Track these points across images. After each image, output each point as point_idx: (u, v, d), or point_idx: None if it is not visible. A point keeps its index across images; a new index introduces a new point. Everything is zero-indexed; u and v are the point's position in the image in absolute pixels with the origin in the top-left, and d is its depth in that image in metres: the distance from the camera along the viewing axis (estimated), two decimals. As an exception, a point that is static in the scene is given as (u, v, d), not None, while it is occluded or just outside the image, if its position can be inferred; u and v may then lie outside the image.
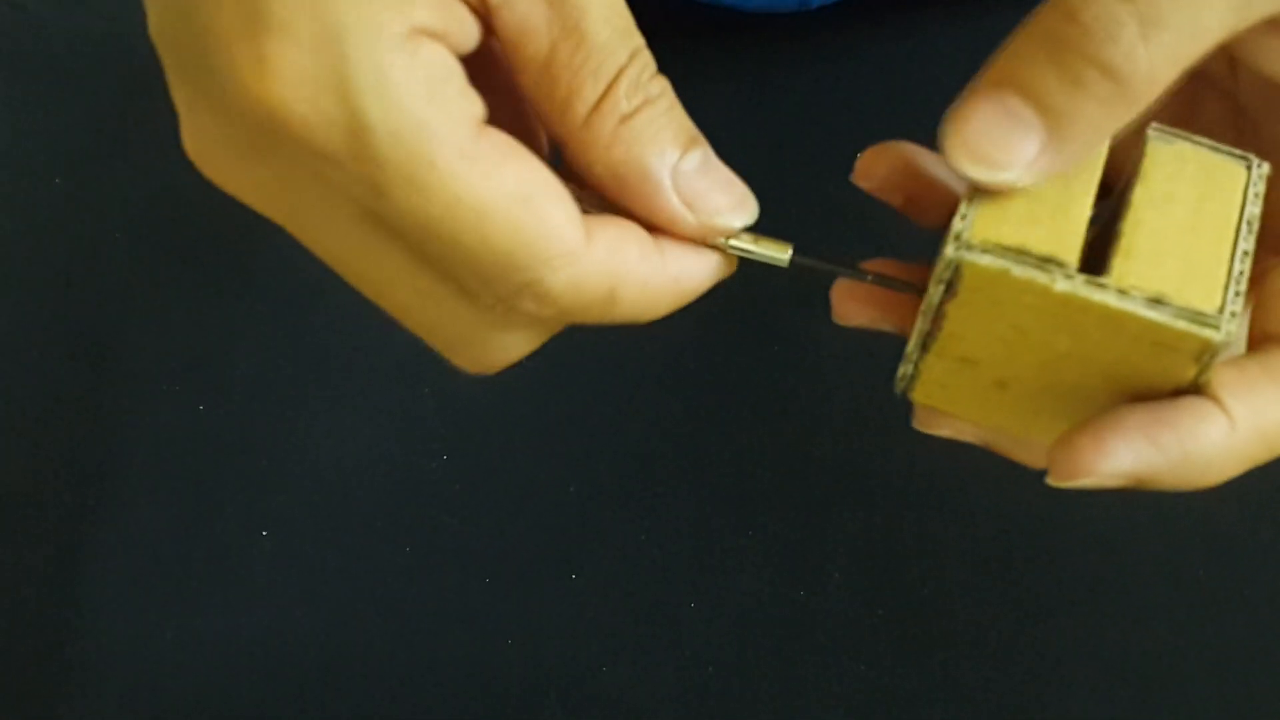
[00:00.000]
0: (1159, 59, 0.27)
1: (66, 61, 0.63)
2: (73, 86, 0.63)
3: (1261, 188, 0.29)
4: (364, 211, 0.27)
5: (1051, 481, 0.29)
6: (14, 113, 0.62)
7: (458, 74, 0.26)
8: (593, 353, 0.55)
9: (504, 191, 0.26)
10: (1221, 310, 0.27)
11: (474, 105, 0.26)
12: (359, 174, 0.25)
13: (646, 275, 0.28)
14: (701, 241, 0.29)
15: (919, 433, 0.34)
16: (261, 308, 0.57)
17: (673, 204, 0.28)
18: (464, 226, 0.26)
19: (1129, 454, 0.28)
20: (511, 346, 0.30)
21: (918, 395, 0.31)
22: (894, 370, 0.32)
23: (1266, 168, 0.30)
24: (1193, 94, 0.33)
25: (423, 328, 0.30)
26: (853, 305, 0.33)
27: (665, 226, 0.28)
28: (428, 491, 0.53)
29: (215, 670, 0.50)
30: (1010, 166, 0.27)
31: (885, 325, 0.33)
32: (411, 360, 0.55)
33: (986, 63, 0.29)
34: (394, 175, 0.25)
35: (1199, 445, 0.28)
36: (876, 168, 0.32)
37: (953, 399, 0.31)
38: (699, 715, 0.49)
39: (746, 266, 0.32)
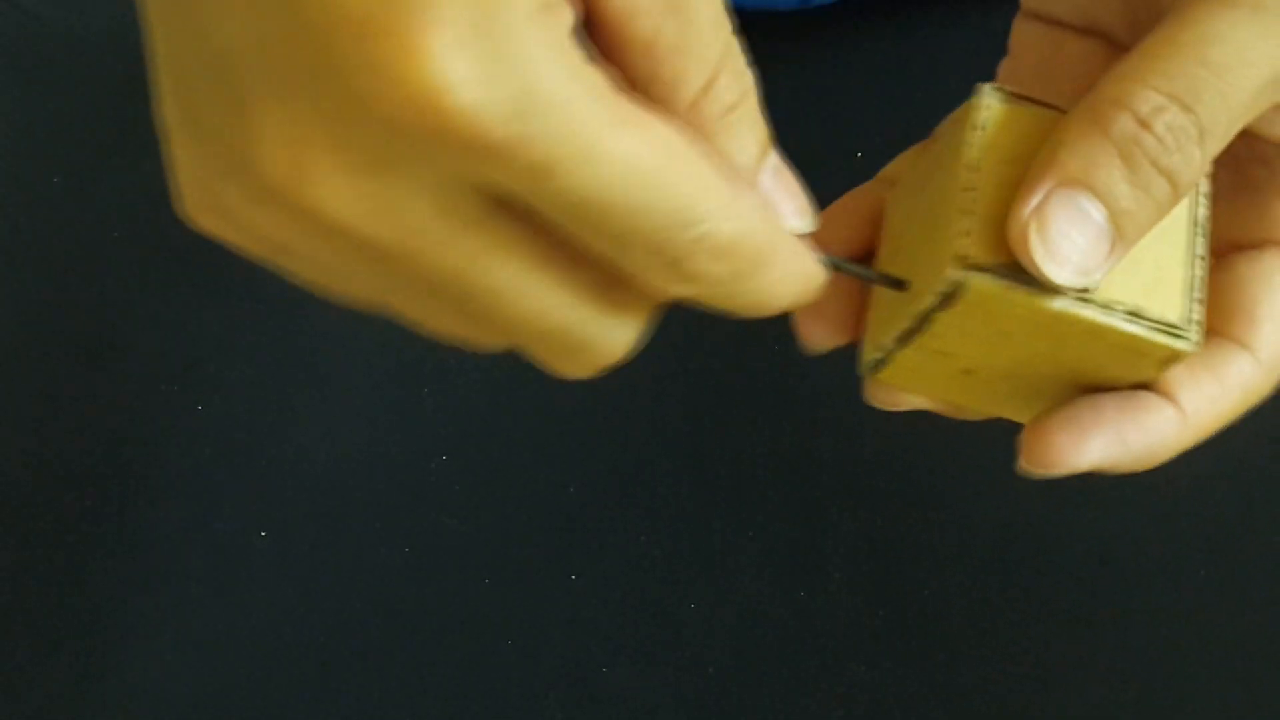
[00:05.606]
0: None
1: (66, 61, 0.63)
2: (72, 86, 0.63)
3: (1207, 187, 0.31)
4: (491, 211, 0.25)
5: (1024, 468, 0.31)
6: (13, 112, 0.62)
7: (576, 43, 0.25)
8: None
9: (665, 149, 0.25)
10: (1189, 320, 0.29)
11: (600, 71, 0.25)
12: (522, 161, 0.24)
13: (791, 244, 0.28)
14: None
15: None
16: (260, 307, 0.57)
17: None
18: (638, 192, 0.25)
19: (1100, 450, 0.30)
20: (624, 336, 0.29)
21: (884, 377, 0.32)
22: None
23: (1209, 166, 0.31)
24: None
25: (540, 336, 0.28)
26: (820, 328, 0.33)
27: None
28: (427, 491, 0.53)
29: (214, 671, 0.50)
30: (1093, 271, 0.28)
31: (848, 340, 0.33)
32: (411, 360, 0.55)
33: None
34: (566, 152, 0.24)
35: (1157, 439, 0.31)
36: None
37: (918, 381, 0.32)
38: (699, 715, 0.48)
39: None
